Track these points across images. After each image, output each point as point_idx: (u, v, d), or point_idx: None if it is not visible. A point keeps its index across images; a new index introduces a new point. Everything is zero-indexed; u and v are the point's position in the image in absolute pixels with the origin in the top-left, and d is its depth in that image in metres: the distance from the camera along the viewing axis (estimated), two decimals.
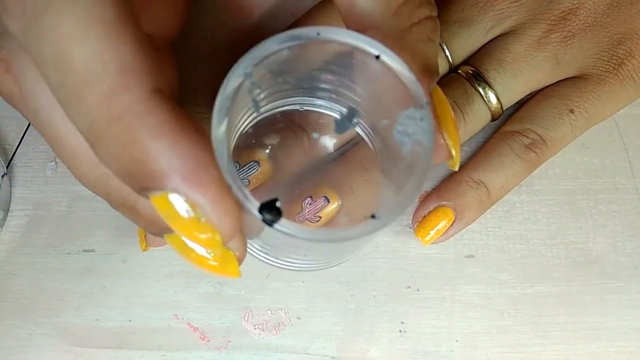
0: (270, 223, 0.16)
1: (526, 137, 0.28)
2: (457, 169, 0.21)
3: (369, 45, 0.18)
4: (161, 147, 0.15)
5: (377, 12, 0.19)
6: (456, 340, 0.29)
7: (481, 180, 0.28)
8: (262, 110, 0.21)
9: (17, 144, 0.30)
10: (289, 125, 0.25)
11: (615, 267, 0.30)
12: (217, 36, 0.30)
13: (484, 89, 0.28)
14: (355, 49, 0.18)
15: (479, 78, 0.28)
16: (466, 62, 0.29)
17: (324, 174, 0.27)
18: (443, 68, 0.29)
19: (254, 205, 0.16)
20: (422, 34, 0.20)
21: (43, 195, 0.29)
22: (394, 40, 0.19)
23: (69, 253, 0.29)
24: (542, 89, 0.30)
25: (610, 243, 0.30)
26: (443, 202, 0.28)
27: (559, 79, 0.29)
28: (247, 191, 0.16)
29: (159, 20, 0.22)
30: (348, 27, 0.20)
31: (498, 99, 0.28)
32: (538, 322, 0.29)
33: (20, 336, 0.28)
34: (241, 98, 0.18)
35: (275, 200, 0.16)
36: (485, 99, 0.28)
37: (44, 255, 0.29)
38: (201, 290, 0.29)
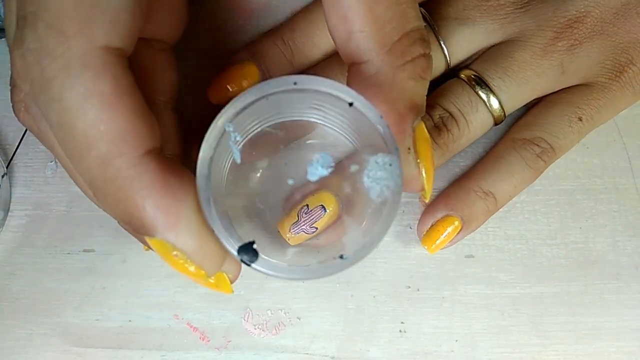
0: (247, 264, 0.18)
1: (537, 145, 0.28)
2: (427, 200, 0.23)
3: (343, 93, 0.19)
4: (148, 205, 0.18)
5: (371, 47, 0.20)
6: (456, 340, 0.29)
7: (490, 190, 0.28)
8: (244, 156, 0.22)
9: (17, 144, 0.30)
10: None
11: (615, 267, 0.30)
12: (217, 36, 0.30)
13: (487, 95, 0.28)
14: (330, 96, 0.19)
15: (481, 84, 0.28)
16: (469, 66, 0.29)
17: (321, 180, 0.27)
18: (440, 66, 0.28)
19: (233, 247, 0.18)
20: (413, 72, 0.20)
21: (43, 195, 0.29)
22: (386, 76, 0.20)
23: (69, 253, 0.29)
24: (547, 95, 0.29)
25: (611, 243, 0.30)
26: (451, 212, 0.28)
27: (563, 87, 0.29)
28: (227, 235, 0.18)
29: (162, 27, 0.23)
30: (344, 59, 0.21)
31: (501, 106, 0.28)
32: (538, 322, 0.29)
33: (20, 336, 0.28)
34: (224, 147, 0.19)
35: (252, 242, 0.18)
36: (488, 105, 0.28)
37: (43, 255, 0.29)
38: (201, 290, 0.29)
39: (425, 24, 0.27)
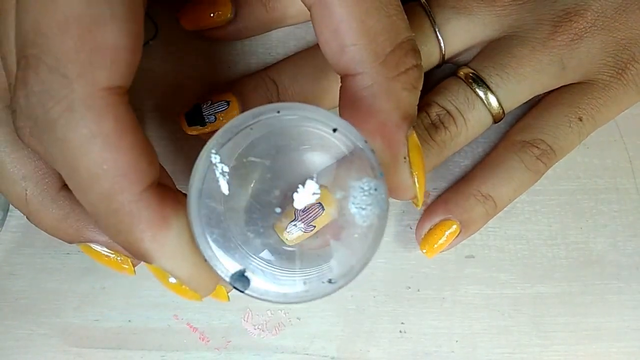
0: (240, 290, 0.19)
1: (537, 147, 0.28)
2: (419, 207, 0.24)
3: (327, 119, 0.19)
4: (146, 238, 0.19)
5: (365, 59, 0.20)
6: (456, 341, 0.29)
7: (489, 194, 0.28)
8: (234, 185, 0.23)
9: None
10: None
11: (616, 268, 0.30)
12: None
13: (485, 93, 0.27)
14: (313, 122, 0.20)
15: (479, 82, 0.27)
16: (467, 64, 0.29)
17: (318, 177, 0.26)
18: (434, 54, 0.28)
19: (226, 275, 0.19)
20: (407, 82, 0.21)
21: None
22: (381, 87, 0.20)
23: (68, 253, 0.29)
24: (547, 94, 0.29)
25: (611, 243, 0.30)
26: (449, 216, 0.28)
27: (564, 84, 0.29)
28: (219, 264, 0.19)
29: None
30: (336, 71, 0.21)
31: (500, 104, 0.28)
32: (539, 322, 0.29)
33: (19, 336, 0.28)
34: (212, 178, 0.20)
35: (244, 270, 0.20)
36: (485, 103, 0.27)
37: (43, 255, 0.29)
38: None
39: (421, 9, 0.28)
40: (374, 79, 0.20)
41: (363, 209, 0.20)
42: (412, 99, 0.21)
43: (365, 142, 0.19)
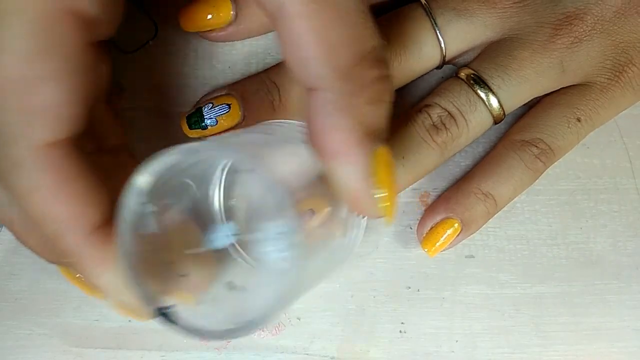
0: (167, 323, 0.20)
1: (536, 147, 0.28)
2: (390, 225, 0.26)
3: (243, 160, 0.19)
4: (93, 276, 0.21)
5: (325, 74, 0.19)
6: (457, 341, 0.29)
7: (490, 192, 0.28)
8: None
9: None
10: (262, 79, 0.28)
11: (616, 268, 0.30)
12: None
13: (486, 94, 0.27)
14: (231, 161, 0.20)
15: (481, 83, 0.28)
16: (468, 65, 0.29)
17: (312, 185, 0.26)
18: (435, 56, 0.28)
19: (150, 310, 0.20)
20: (371, 96, 0.20)
21: None
22: (343, 103, 0.19)
23: None
24: (547, 94, 0.29)
25: (611, 243, 0.30)
26: (450, 214, 0.28)
27: (563, 86, 0.29)
28: (145, 298, 0.20)
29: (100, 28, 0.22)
30: (301, 86, 0.20)
31: (501, 105, 0.28)
32: (539, 322, 0.29)
33: (19, 336, 0.28)
34: (139, 215, 0.19)
35: (166, 307, 0.20)
36: (487, 104, 0.28)
37: None
38: None
39: (422, 10, 0.28)
40: (336, 94, 0.19)
41: (279, 251, 0.19)
42: (377, 113, 0.20)
43: (276, 183, 0.18)
